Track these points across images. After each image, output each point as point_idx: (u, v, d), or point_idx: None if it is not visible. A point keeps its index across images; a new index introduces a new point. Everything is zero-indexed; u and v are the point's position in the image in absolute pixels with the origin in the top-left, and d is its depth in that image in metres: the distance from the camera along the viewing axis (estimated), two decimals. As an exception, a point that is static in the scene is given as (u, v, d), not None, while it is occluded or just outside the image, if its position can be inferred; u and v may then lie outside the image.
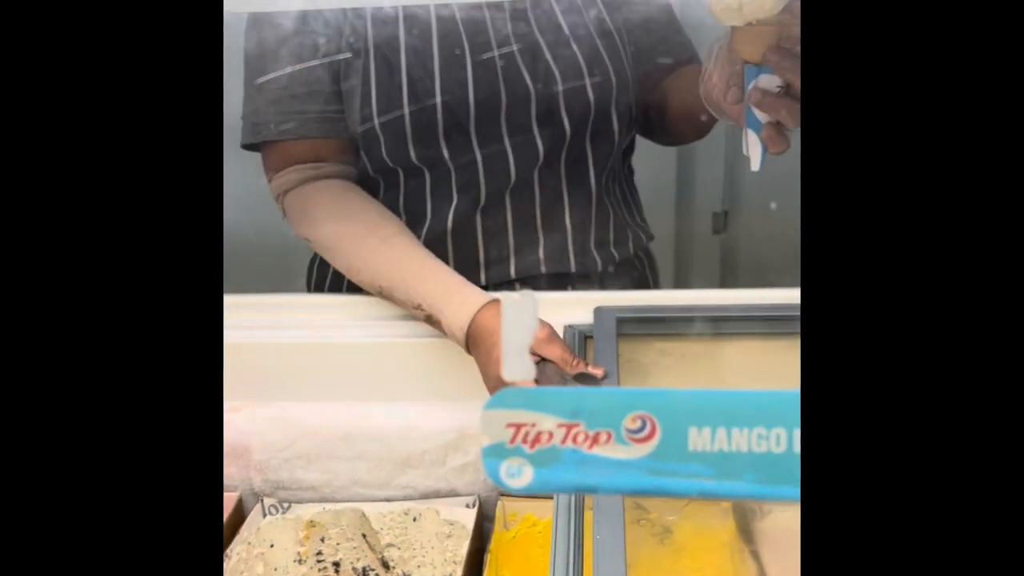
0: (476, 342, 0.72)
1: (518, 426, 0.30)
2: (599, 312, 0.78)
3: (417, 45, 0.84)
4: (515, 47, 0.85)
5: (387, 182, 0.91)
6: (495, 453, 0.30)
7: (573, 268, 0.92)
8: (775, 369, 0.77)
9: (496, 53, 0.84)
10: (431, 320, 0.77)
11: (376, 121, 0.85)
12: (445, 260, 0.84)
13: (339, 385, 0.81)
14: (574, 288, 0.93)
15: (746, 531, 0.75)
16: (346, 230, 0.82)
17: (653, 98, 0.97)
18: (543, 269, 0.92)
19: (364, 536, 0.71)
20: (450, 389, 0.81)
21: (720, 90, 0.70)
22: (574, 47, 0.87)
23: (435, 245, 0.87)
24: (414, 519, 0.76)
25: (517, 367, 0.29)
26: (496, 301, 0.74)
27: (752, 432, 0.29)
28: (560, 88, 0.86)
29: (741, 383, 0.76)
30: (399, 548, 0.73)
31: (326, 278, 0.97)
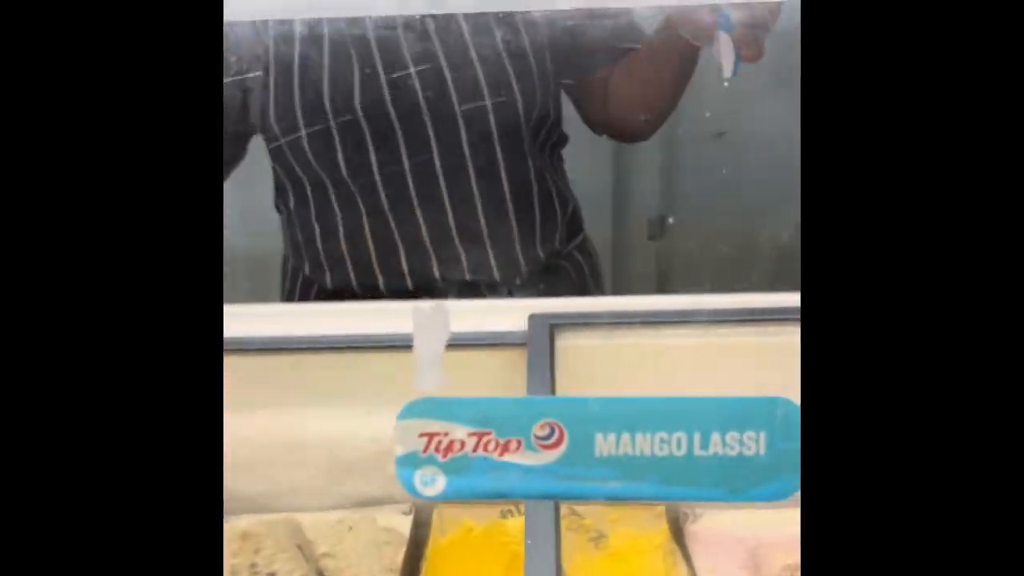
0: None
1: (431, 435, 0.30)
2: (533, 320, 0.79)
3: (330, 62, 0.86)
4: (413, 68, 0.87)
5: (297, 194, 0.94)
6: (409, 462, 0.30)
7: (498, 277, 0.94)
8: (714, 373, 0.79)
9: (413, 71, 0.86)
10: None
11: (304, 132, 0.85)
12: (369, 268, 0.89)
13: (277, 393, 0.80)
14: (509, 295, 0.94)
15: (678, 534, 0.76)
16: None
17: (599, 91, 0.97)
18: (467, 277, 0.93)
19: (299, 547, 0.71)
20: (388, 394, 0.81)
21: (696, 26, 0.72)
22: (478, 68, 0.88)
23: (357, 251, 0.91)
24: (350, 528, 0.76)
25: (429, 378, 0.30)
26: None
27: (655, 436, 0.30)
28: (458, 109, 0.88)
29: (680, 388, 0.77)
30: (335, 557, 0.73)
31: (297, 283, 0.99)
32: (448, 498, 0.31)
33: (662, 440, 0.30)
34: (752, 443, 0.31)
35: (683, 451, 0.30)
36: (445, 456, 0.30)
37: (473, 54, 0.88)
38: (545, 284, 0.97)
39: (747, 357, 0.77)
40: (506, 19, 0.89)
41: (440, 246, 0.92)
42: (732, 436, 0.31)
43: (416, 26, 0.86)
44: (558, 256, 0.99)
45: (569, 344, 0.79)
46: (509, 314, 0.81)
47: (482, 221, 0.92)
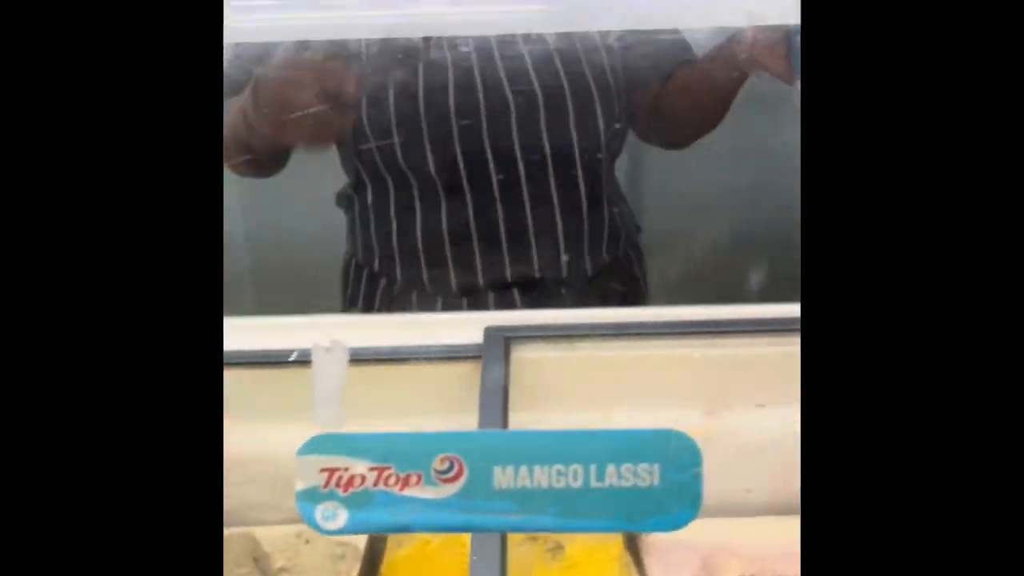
0: None
1: (331, 471, 0.31)
2: (488, 332, 0.80)
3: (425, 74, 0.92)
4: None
5: (377, 190, 0.98)
6: (310, 497, 0.31)
7: (564, 273, 0.99)
8: (667, 385, 0.80)
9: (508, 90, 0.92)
10: None
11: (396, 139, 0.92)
12: (443, 261, 0.95)
13: (229, 408, 0.81)
14: (566, 292, 0.99)
15: (633, 544, 0.77)
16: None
17: (648, 103, 1.03)
18: (536, 275, 0.98)
19: (256, 560, 0.72)
20: (351, 409, 0.81)
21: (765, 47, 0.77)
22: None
23: (432, 248, 0.96)
24: (307, 541, 0.76)
25: (328, 415, 0.31)
26: None
27: (552, 469, 0.31)
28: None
29: (633, 400, 0.78)
30: (291, 571, 0.73)
31: (361, 281, 1.03)
32: (349, 532, 0.31)
33: (559, 472, 0.31)
34: (646, 475, 0.31)
35: (580, 483, 0.31)
36: (346, 491, 0.31)
37: (561, 72, 0.94)
38: (606, 281, 1.03)
39: (698, 369, 0.78)
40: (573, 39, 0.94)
41: (515, 243, 0.97)
42: (627, 468, 0.31)
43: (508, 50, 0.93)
44: (616, 255, 1.05)
45: (524, 356, 0.79)
46: (465, 327, 0.82)
47: (559, 222, 0.98)
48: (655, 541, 0.77)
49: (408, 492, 0.31)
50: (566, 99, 0.94)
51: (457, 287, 1.00)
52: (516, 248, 0.98)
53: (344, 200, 1.06)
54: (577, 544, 0.78)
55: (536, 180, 0.96)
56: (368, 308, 1.05)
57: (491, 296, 1.00)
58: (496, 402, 0.72)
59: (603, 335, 0.81)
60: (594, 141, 0.97)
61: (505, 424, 0.70)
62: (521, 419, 0.71)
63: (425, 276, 1.00)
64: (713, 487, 0.77)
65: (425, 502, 0.31)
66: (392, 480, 0.31)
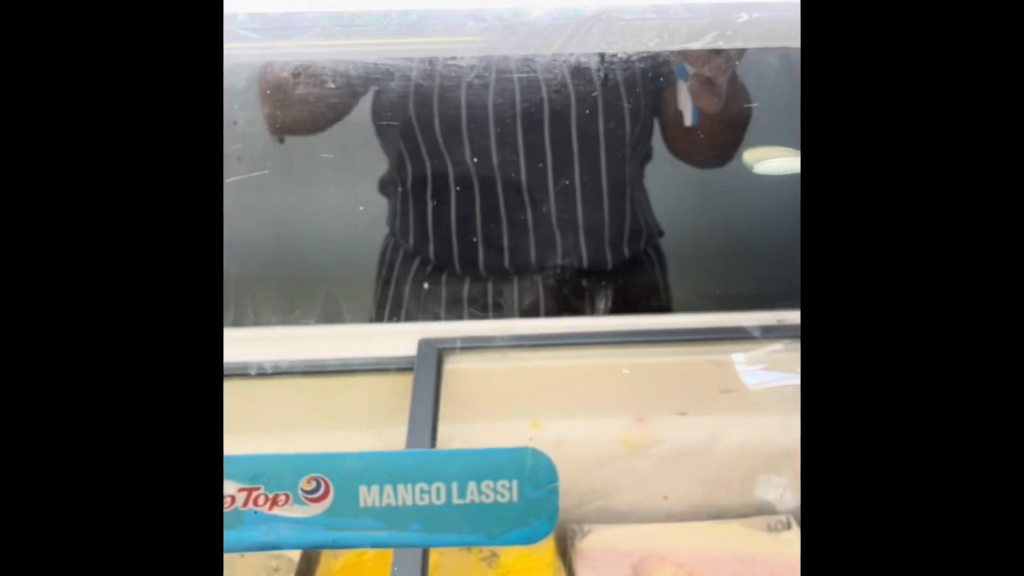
0: None
1: (202, 492, 0.32)
2: (422, 344, 0.81)
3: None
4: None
5: (416, 172, 1.03)
6: (181, 518, 0.32)
7: (585, 264, 1.02)
8: (601, 393, 0.81)
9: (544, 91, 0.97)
10: None
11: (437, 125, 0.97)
12: (472, 243, 1.00)
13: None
14: (586, 282, 1.03)
15: (564, 552, 0.78)
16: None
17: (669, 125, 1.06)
18: (560, 261, 1.02)
19: (190, 575, 0.72)
20: (285, 421, 0.82)
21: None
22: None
23: (465, 233, 1.00)
24: (241, 555, 0.77)
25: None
26: None
27: (415, 487, 0.32)
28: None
29: (567, 409, 0.79)
30: (225, 585, 0.74)
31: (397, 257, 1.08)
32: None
33: (422, 490, 0.32)
34: (505, 491, 0.32)
35: (442, 500, 0.32)
36: (216, 511, 0.32)
37: (595, 78, 0.96)
38: (627, 273, 1.06)
39: (631, 377, 0.79)
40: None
41: (540, 229, 1.01)
42: (487, 485, 0.32)
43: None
44: (638, 252, 1.08)
45: (457, 368, 0.81)
46: (400, 338, 0.83)
47: (579, 213, 1.02)
48: (586, 548, 0.78)
49: (277, 511, 0.32)
50: (597, 101, 0.99)
51: (485, 268, 1.04)
52: (540, 236, 1.03)
53: (387, 186, 1.12)
54: (511, 553, 0.79)
55: (562, 174, 1.01)
56: (401, 286, 1.10)
57: (515, 279, 1.05)
58: (426, 413, 0.73)
59: (534, 346, 0.82)
60: (619, 141, 1.02)
61: (434, 435, 0.71)
62: (451, 430, 0.73)
63: (457, 256, 1.05)
64: (641, 493, 0.79)
65: (293, 521, 0.32)
66: (261, 500, 0.32)
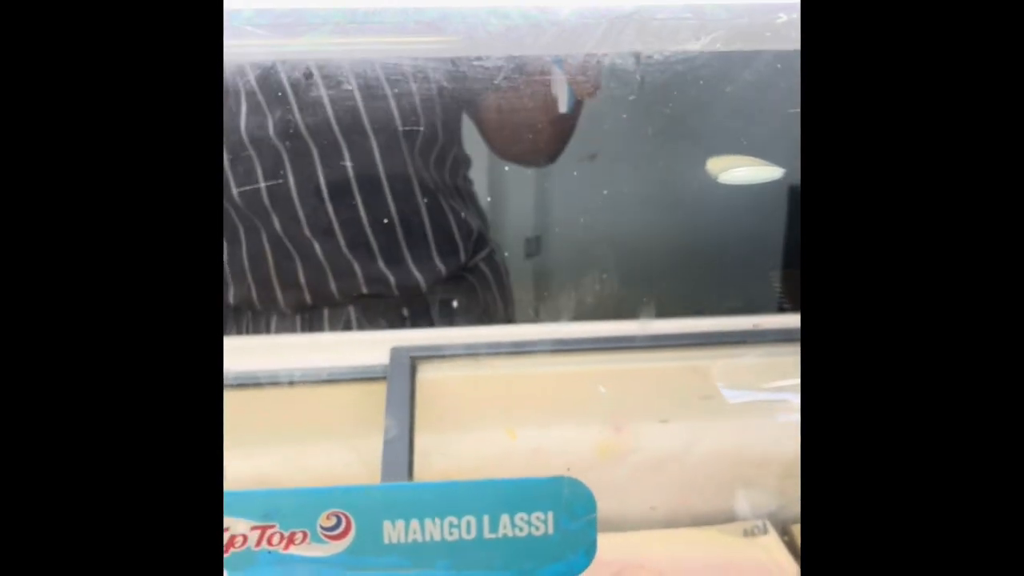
0: None
1: (210, 531, 0.29)
2: (395, 352, 0.79)
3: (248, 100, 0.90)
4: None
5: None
6: (187, 560, 0.29)
7: (396, 291, 0.97)
8: (576, 402, 0.80)
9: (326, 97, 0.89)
10: None
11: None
12: (269, 283, 0.94)
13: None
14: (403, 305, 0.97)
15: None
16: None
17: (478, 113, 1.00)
18: (364, 291, 0.95)
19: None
20: (246, 435, 0.79)
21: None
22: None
23: (257, 268, 0.95)
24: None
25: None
26: None
27: (444, 521, 0.30)
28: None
29: (542, 418, 0.78)
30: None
31: None
32: (231, 596, 0.30)
33: (452, 524, 0.30)
34: (540, 523, 0.31)
35: (473, 534, 0.30)
36: (226, 552, 0.29)
37: (386, 87, 0.90)
38: (447, 295, 1.00)
39: (607, 384, 0.78)
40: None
41: (333, 262, 0.95)
42: (521, 517, 0.30)
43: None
44: (462, 268, 1.02)
45: (431, 376, 0.78)
46: (372, 347, 0.80)
47: (371, 239, 0.95)
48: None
49: (293, 550, 0.30)
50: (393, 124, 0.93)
51: (286, 305, 0.98)
52: (336, 266, 0.97)
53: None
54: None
55: (371, 204, 0.96)
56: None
57: (325, 312, 0.99)
58: (402, 422, 0.70)
59: (510, 353, 0.80)
60: (425, 161, 0.97)
61: (411, 444, 0.69)
62: (427, 439, 0.70)
63: (255, 296, 0.99)
64: (620, 502, 0.77)
65: (312, 560, 0.30)
66: (276, 539, 0.30)
